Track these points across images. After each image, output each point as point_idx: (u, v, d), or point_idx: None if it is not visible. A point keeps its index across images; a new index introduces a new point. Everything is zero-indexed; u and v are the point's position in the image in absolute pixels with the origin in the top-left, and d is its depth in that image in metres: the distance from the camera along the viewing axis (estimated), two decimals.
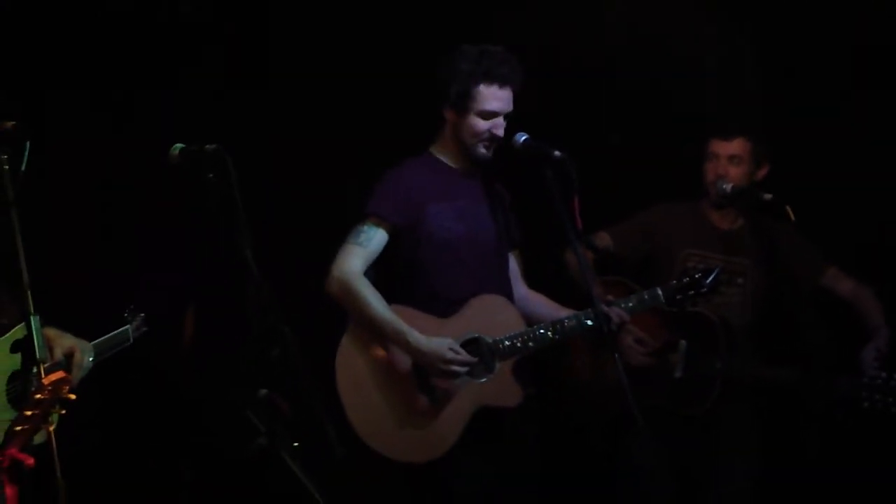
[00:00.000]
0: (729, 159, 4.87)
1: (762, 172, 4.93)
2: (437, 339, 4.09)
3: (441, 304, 4.17)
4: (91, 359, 3.74)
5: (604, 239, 4.93)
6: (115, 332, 4.33)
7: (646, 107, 5.46)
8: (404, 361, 4.11)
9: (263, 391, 3.35)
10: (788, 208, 4.71)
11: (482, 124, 4.19)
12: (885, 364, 4.67)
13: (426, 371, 4.10)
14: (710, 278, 4.41)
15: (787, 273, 4.90)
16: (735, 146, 4.87)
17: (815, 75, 5.31)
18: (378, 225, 4.15)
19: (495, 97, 4.17)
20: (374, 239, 4.13)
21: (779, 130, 5.17)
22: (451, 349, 4.07)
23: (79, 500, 3.32)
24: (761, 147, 4.91)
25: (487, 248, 4.31)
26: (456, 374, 4.09)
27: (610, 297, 4.39)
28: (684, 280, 4.41)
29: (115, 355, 4.30)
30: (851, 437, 5.15)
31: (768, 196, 4.81)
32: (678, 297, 4.40)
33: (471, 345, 4.15)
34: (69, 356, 3.63)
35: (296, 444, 3.36)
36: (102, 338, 4.20)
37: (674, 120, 5.40)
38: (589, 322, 4.21)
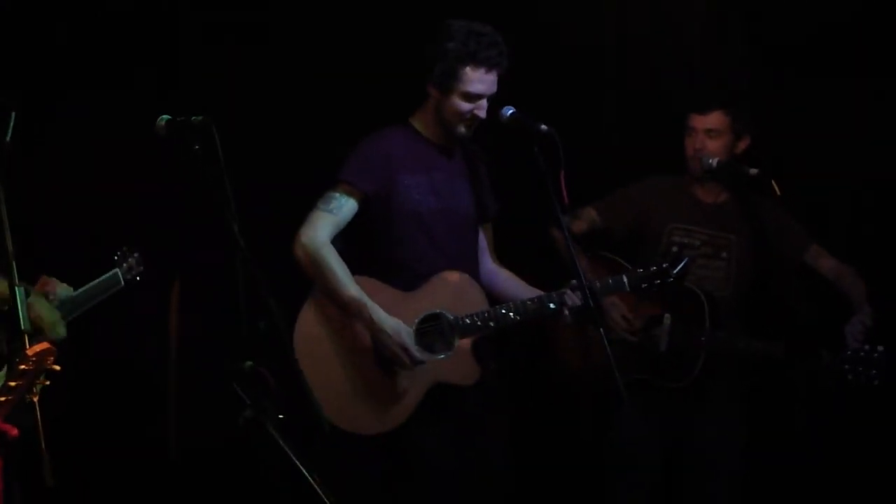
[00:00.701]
0: (706, 133, 4.88)
1: (743, 145, 4.93)
2: (394, 321, 4.09)
3: (406, 277, 4.17)
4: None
5: (590, 213, 4.93)
6: (103, 277, 4.32)
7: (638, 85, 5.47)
8: (363, 333, 4.12)
9: (249, 363, 3.34)
10: (774, 183, 4.73)
11: (465, 105, 4.18)
12: (869, 339, 4.68)
13: (378, 345, 4.12)
14: (678, 268, 4.36)
15: (770, 248, 4.92)
16: (712, 119, 4.87)
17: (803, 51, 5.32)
18: (350, 193, 4.14)
19: (480, 80, 4.15)
20: (344, 207, 4.13)
21: (765, 105, 5.20)
22: (402, 345, 4.09)
23: (64, 472, 3.32)
24: (741, 120, 4.90)
25: (459, 223, 4.31)
26: (403, 363, 4.11)
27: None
28: (651, 269, 4.36)
29: (110, 299, 4.29)
30: (837, 409, 5.16)
31: (754, 170, 4.82)
32: (643, 285, 4.37)
33: (431, 320, 4.16)
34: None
35: (281, 416, 3.36)
36: (88, 284, 4.17)
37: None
38: (552, 305, 4.22)
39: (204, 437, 5.17)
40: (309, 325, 4.11)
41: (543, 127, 4.11)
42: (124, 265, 4.42)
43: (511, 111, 4.19)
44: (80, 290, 4.25)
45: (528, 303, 4.24)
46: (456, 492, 4.21)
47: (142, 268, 4.46)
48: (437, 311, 4.18)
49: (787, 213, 4.95)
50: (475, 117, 4.20)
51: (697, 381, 4.74)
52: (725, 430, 4.83)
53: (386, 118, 4.37)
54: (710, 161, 4.88)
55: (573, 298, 4.21)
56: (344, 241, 4.19)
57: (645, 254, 4.74)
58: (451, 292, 4.22)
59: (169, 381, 5.29)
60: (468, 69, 4.14)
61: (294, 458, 3.35)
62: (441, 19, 4.26)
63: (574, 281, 4.18)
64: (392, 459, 4.18)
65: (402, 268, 4.17)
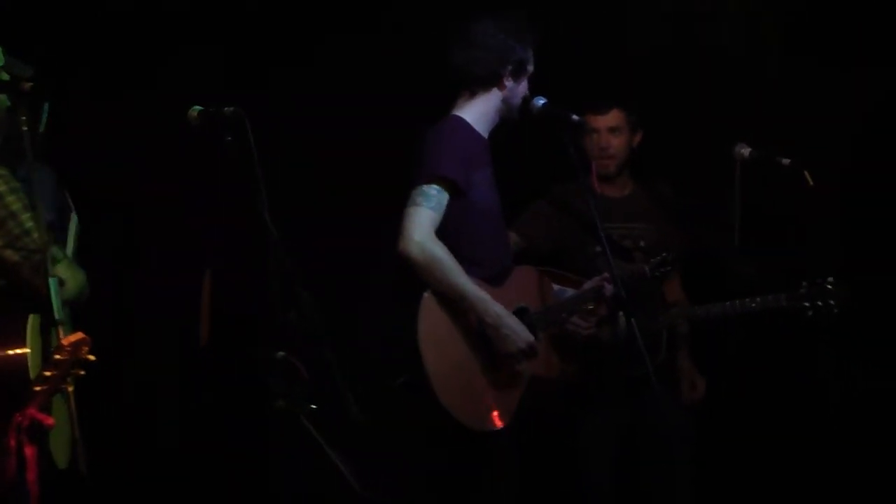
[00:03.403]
0: (609, 131, 4.95)
1: (638, 139, 5.03)
2: (513, 316, 4.09)
3: (483, 272, 4.15)
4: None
5: (511, 238, 4.91)
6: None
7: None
8: (476, 327, 4.09)
9: (281, 354, 3.35)
10: (806, 173, 4.75)
11: (526, 86, 4.26)
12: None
13: (494, 342, 4.11)
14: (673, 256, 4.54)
15: (676, 231, 5.01)
16: (612, 118, 4.95)
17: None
18: (445, 187, 4.08)
19: (533, 59, 4.26)
20: (443, 203, 4.07)
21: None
22: (530, 344, 4.09)
23: (96, 463, 3.35)
24: (634, 115, 5.00)
25: (503, 218, 4.35)
26: (519, 363, 4.12)
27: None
28: (663, 256, 4.54)
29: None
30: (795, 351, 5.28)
31: (786, 161, 4.84)
32: (659, 271, 4.54)
33: (519, 315, 4.16)
34: None
35: (313, 406, 3.36)
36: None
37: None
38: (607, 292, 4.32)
39: (234, 426, 5.19)
40: (433, 320, 4.04)
41: (575, 117, 4.15)
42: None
43: (543, 101, 4.21)
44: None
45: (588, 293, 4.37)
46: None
47: None
48: (524, 305, 4.20)
49: (684, 199, 5.07)
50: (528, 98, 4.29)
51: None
52: (672, 402, 4.86)
53: (423, 111, 4.36)
54: (743, 151, 4.90)
55: (609, 290, 4.29)
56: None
57: (572, 261, 4.76)
58: (529, 287, 4.27)
59: (203, 371, 5.31)
60: (532, 51, 4.24)
61: (326, 448, 3.37)
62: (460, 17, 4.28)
63: (605, 273, 4.26)
64: (474, 455, 4.16)
65: (479, 263, 4.15)
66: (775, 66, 5.49)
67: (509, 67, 4.19)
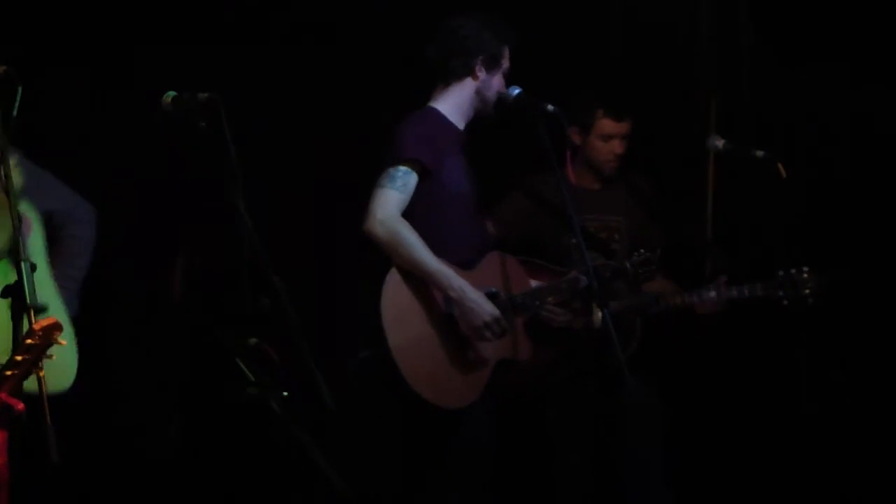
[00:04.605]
0: (622, 138, 4.97)
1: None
2: (479, 293, 4.15)
3: (453, 257, 4.20)
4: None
5: (488, 227, 4.92)
6: None
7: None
8: (442, 305, 4.16)
9: (253, 340, 3.35)
10: (780, 165, 4.78)
11: (502, 83, 4.32)
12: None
13: (459, 318, 4.16)
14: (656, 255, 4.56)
15: (651, 224, 5.03)
16: (626, 126, 4.97)
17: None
18: (413, 169, 4.16)
19: (508, 57, 4.34)
20: (409, 184, 4.16)
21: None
22: (496, 318, 4.13)
23: (68, 448, 3.33)
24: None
25: (476, 208, 4.42)
26: (486, 339, 4.16)
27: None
28: (642, 254, 4.54)
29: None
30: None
31: (760, 153, 4.87)
32: (640, 270, 4.55)
33: (490, 299, 4.20)
34: None
35: (285, 393, 3.37)
36: None
37: None
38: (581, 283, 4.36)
39: (208, 414, 5.19)
40: (396, 297, 4.12)
41: (550, 107, 4.22)
42: None
43: (517, 91, 4.30)
44: None
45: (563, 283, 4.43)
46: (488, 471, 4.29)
47: None
48: (494, 289, 4.23)
49: (658, 192, 5.10)
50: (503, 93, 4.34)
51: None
52: (646, 390, 4.87)
53: (399, 100, 4.39)
54: (717, 143, 4.96)
55: (583, 281, 4.35)
56: None
57: (547, 251, 4.77)
58: (500, 273, 4.31)
59: (171, 358, 5.30)
60: (507, 48, 4.32)
61: (298, 435, 3.37)
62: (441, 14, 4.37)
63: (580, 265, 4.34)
64: (437, 432, 4.19)
65: (446, 247, 4.19)
66: (748, 57, 5.51)
67: (481, 58, 4.28)
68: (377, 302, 4.06)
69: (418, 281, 4.13)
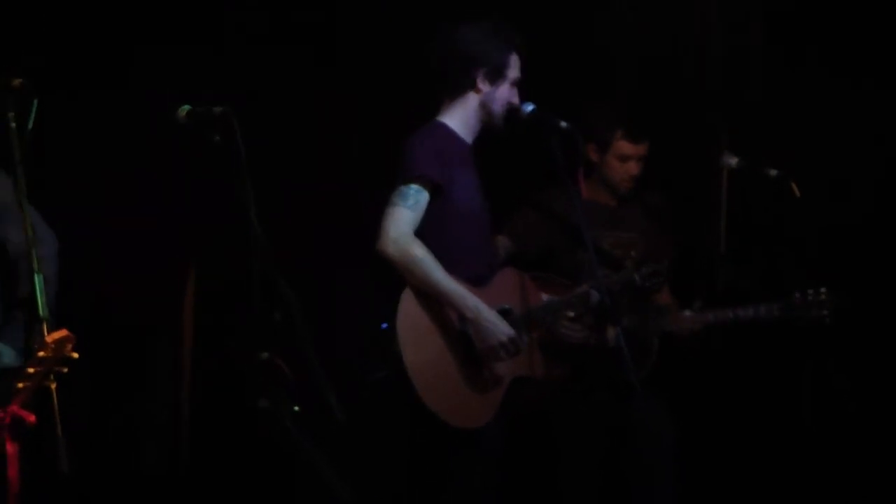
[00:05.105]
0: (639, 160, 4.95)
1: None
2: (494, 313, 4.12)
3: (465, 273, 4.16)
4: None
5: (502, 241, 4.89)
6: None
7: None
8: (456, 325, 4.12)
9: (265, 354, 3.35)
10: (793, 184, 4.78)
11: (510, 93, 4.24)
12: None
13: (474, 338, 4.13)
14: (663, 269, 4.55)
15: (666, 241, 5.02)
16: (644, 147, 4.95)
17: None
18: (424, 187, 4.12)
19: (518, 66, 4.25)
20: (421, 202, 4.11)
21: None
22: (511, 338, 4.11)
23: (78, 459, 3.33)
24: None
25: (489, 224, 4.37)
26: (501, 360, 4.13)
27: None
28: (652, 267, 4.52)
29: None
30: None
31: (774, 172, 4.88)
32: (647, 283, 4.53)
33: (502, 315, 4.17)
34: None
35: (296, 407, 3.36)
36: None
37: None
38: (593, 299, 4.33)
39: (218, 427, 5.19)
40: (411, 317, 4.08)
41: (564, 124, 4.17)
42: None
43: (531, 107, 4.24)
44: None
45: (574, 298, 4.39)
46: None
47: None
48: (507, 306, 4.21)
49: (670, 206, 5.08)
50: (514, 104, 4.27)
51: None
52: (658, 408, 4.85)
53: (410, 112, 4.37)
54: (731, 161, 4.96)
55: (595, 296, 4.32)
56: None
57: (560, 266, 4.76)
58: (512, 289, 4.28)
59: (182, 370, 5.30)
60: (513, 56, 4.23)
61: (308, 450, 3.36)
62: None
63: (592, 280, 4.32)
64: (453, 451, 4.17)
65: (458, 263, 4.16)
66: (759, 76, 5.52)
67: (483, 70, 4.20)
68: (393, 321, 4.03)
69: (432, 300, 4.10)
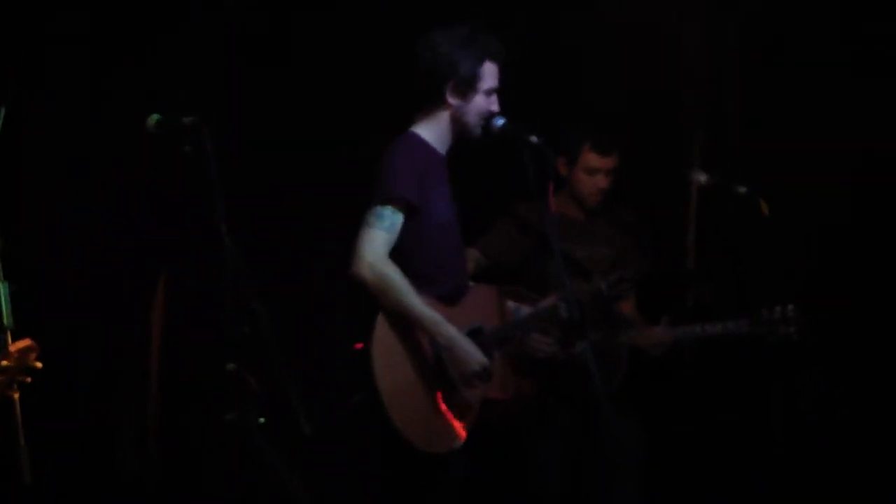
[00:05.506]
0: (607, 173, 4.95)
1: None
2: (466, 338, 4.07)
3: (438, 290, 4.13)
4: None
5: (473, 254, 4.87)
6: None
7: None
8: (429, 349, 4.09)
9: (232, 365, 3.34)
10: (762, 202, 4.80)
11: (486, 102, 4.16)
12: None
13: (448, 364, 4.10)
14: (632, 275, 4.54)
15: (636, 255, 5.01)
16: (613, 160, 4.95)
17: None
18: (399, 208, 4.06)
19: (494, 74, 4.16)
20: (396, 224, 4.05)
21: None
22: (485, 367, 4.08)
23: (41, 469, 3.31)
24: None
25: (459, 234, 4.30)
26: (474, 387, 4.11)
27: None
28: (618, 276, 4.50)
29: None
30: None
31: (742, 189, 4.89)
32: (614, 293, 4.51)
33: (473, 335, 4.14)
34: None
35: (262, 419, 3.35)
36: None
37: None
38: (563, 313, 4.28)
39: (186, 435, 5.16)
40: (385, 340, 4.03)
41: (534, 138, 4.11)
42: None
43: (502, 121, 4.18)
44: None
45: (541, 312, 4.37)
46: None
47: None
48: (479, 324, 4.19)
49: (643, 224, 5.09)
50: (493, 113, 4.18)
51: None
52: (627, 422, 4.86)
53: (385, 123, 4.34)
54: (700, 178, 4.98)
55: (564, 309, 4.27)
56: None
57: (532, 280, 4.77)
58: (485, 306, 4.26)
59: (150, 379, 5.27)
60: (487, 65, 4.14)
61: (274, 461, 3.35)
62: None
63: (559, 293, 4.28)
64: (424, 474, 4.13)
65: (432, 281, 4.14)
66: (732, 91, 5.55)
67: (451, 82, 4.12)
68: (367, 344, 3.98)
69: (406, 324, 4.05)
